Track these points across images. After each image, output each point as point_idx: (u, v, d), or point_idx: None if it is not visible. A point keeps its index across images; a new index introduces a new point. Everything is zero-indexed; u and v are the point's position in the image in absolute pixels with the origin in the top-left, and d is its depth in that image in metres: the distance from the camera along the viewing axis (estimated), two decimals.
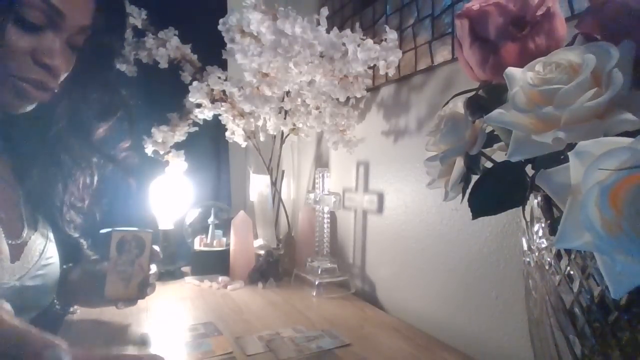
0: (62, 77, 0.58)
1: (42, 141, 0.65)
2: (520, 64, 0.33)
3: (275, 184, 1.11)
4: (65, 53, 0.57)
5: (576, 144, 0.26)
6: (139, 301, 0.70)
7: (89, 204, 0.72)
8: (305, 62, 0.82)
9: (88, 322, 0.71)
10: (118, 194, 0.79)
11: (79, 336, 0.66)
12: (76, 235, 0.70)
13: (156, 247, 0.72)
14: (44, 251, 0.62)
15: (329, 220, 0.98)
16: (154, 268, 0.71)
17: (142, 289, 0.68)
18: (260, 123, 1.00)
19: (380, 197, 0.89)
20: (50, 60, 0.54)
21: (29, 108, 0.58)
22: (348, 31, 0.80)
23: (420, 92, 0.79)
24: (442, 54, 0.71)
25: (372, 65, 0.81)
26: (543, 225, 0.34)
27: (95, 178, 0.72)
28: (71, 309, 0.72)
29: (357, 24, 0.86)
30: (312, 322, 0.74)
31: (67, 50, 0.57)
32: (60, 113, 0.65)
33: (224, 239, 1.10)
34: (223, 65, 1.03)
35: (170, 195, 1.07)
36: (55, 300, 0.68)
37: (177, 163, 1.07)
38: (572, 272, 0.32)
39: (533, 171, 0.35)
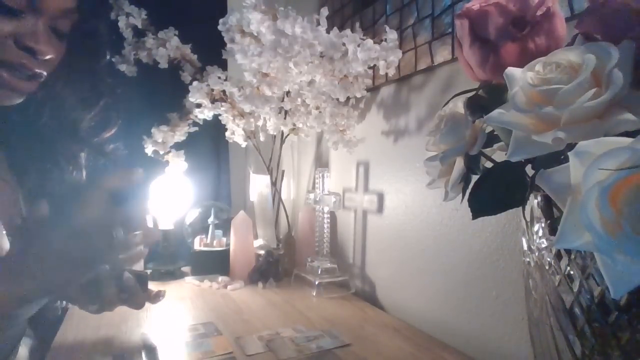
0: (50, 64, 0.57)
1: (33, 136, 0.64)
2: (520, 64, 0.33)
3: (275, 184, 1.11)
4: (51, 38, 0.55)
5: (576, 144, 0.26)
6: None
7: None
8: (305, 62, 0.82)
9: (88, 321, 0.71)
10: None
11: (78, 335, 0.66)
12: None
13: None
14: None
15: (329, 220, 0.98)
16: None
17: None
18: (260, 123, 1.00)
19: (380, 197, 0.89)
20: (33, 44, 0.52)
21: (18, 100, 0.56)
22: (348, 31, 0.80)
23: (420, 92, 0.79)
24: (442, 54, 0.71)
25: (372, 65, 0.81)
26: (543, 225, 0.34)
27: (84, 173, 0.70)
28: (64, 303, 0.72)
29: (357, 24, 0.86)
30: (312, 322, 0.74)
31: (53, 35, 0.55)
32: (45, 105, 0.63)
33: (224, 239, 1.10)
34: (223, 65, 1.03)
35: (170, 195, 1.07)
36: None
37: (177, 163, 1.07)
38: (572, 272, 0.32)
39: (533, 171, 0.35)
